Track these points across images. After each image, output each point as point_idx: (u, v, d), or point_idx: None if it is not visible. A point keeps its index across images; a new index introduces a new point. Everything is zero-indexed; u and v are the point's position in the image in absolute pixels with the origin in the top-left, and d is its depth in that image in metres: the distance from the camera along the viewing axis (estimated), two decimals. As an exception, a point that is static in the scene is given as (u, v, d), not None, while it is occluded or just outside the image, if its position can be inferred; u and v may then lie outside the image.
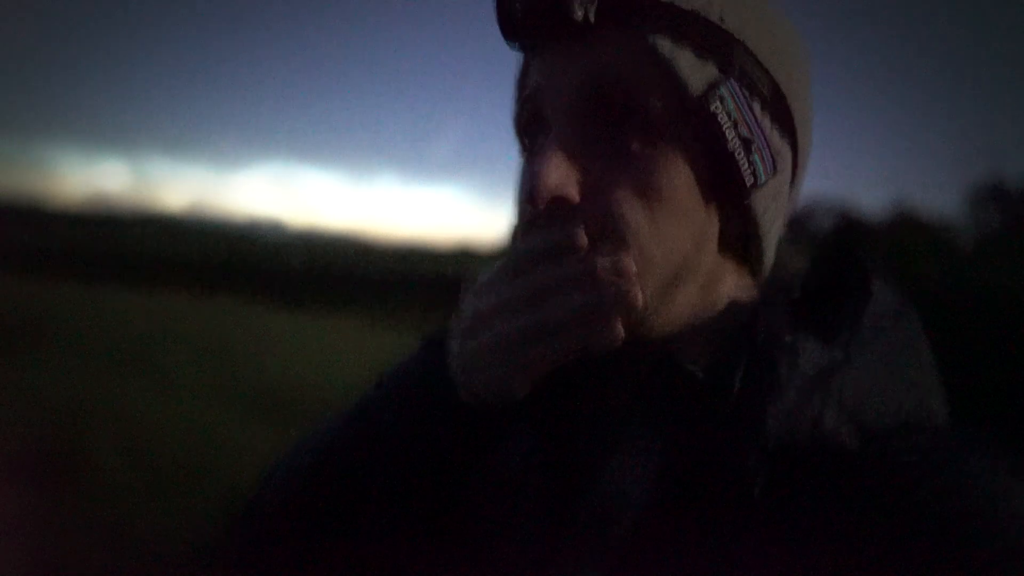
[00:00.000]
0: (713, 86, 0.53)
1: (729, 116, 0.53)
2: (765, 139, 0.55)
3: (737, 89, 0.54)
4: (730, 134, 0.53)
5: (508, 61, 0.61)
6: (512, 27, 0.56)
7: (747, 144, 0.54)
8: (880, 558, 0.45)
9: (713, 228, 0.56)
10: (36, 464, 4.32)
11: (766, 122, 0.55)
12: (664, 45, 0.53)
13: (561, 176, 0.52)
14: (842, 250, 0.60)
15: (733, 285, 0.58)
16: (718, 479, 0.50)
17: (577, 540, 0.54)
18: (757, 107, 0.55)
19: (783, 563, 0.47)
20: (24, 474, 4.18)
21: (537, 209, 0.52)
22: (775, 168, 0.56)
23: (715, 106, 0.53)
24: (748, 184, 0.54)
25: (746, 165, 0.54)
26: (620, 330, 0.51)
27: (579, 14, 0.53)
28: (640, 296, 0.51)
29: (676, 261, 0.54)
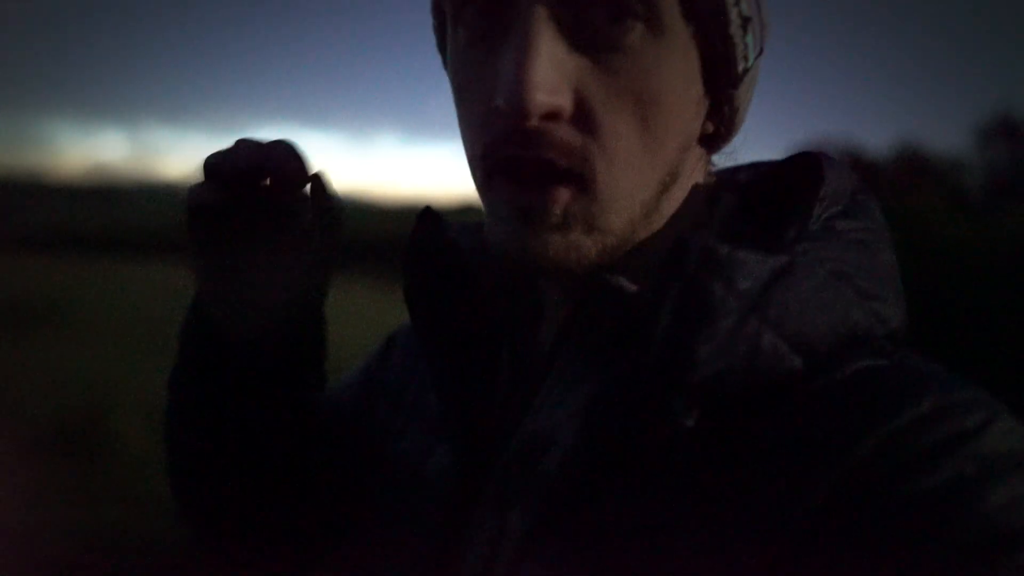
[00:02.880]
0: None
1: None
2: (760, 14, 0.49)
3: None
4: (733, 12, 0.47)
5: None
6: None
7: (746, 23, 0.48)
8: (818, 483, 0.40)
9: (698, 123, 0.49)
10: (54, 439, 4.38)
11: None
12: None
13: (552, 82, 0.43)
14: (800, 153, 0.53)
15: (701, 179, 0.53)
16: (645, 417, 0.44)
17: (502, 479, 0.50)
18: None
19: (720, 500, 0.42)
20: (42, 449, 4.25)
21: (525, 125, 0.44)
22: (762, 47, 0.50)
23: None
24: (740, 69, 0.49)
25: (741, 48, 0.48)
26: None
27: None
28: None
29: (664, 171, 0.48)
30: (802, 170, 0.51)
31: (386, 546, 0.55)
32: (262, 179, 0.54)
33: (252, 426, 0.60)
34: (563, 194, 0.45)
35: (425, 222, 0.58)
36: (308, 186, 0.57)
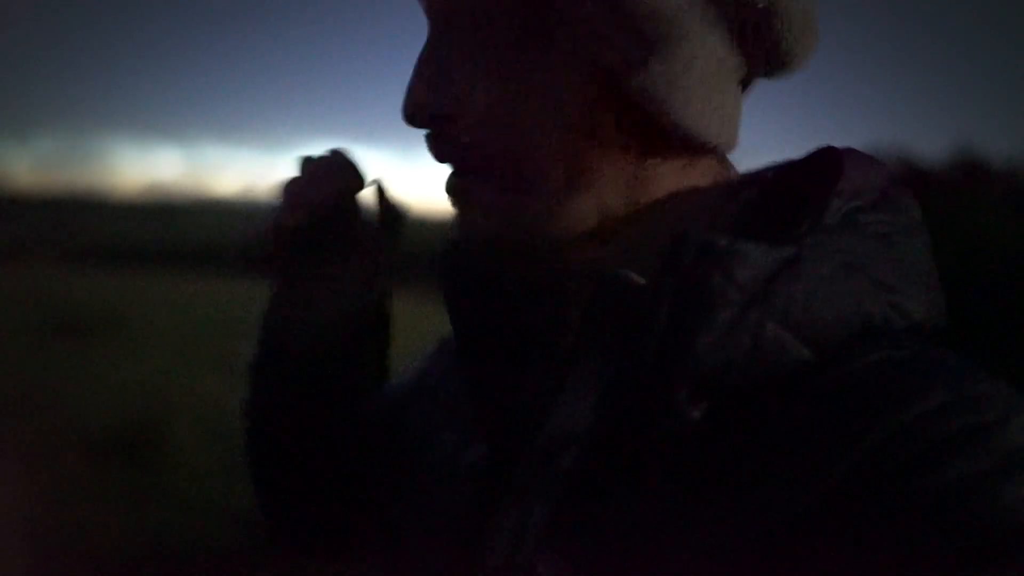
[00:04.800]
0: None
1: None
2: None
3: None
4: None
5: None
6: None
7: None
8: (824, 475, 0.39)
9: (607, 122, 0.48)
10: (112, 446, 4.50)
11: None
12: None
13: (435, 89, 0.49)
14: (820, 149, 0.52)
15: (683, 183, 0.51)
16: (652, 411, 0.44)
17: (526, 474, 0.51)
18: None
19: (729, 492, 0.42)
20: (101, 456, 4.37)
21: (418, 127, 0.50)
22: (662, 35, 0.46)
23: None
24: (632, 59, 0.46)
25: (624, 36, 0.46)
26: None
27: None
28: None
29: (574, 164, 0.48)
30: (825, 165, 0.51)
31: (418, 537, 0.57)
32: (336, 201, 0.61)
33: (315, 416, 0.67)
34: (482, 189, 0.50)
35: None
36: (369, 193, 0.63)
